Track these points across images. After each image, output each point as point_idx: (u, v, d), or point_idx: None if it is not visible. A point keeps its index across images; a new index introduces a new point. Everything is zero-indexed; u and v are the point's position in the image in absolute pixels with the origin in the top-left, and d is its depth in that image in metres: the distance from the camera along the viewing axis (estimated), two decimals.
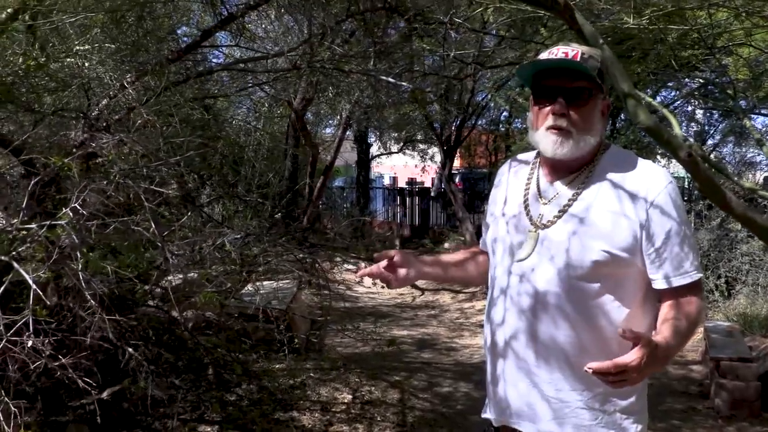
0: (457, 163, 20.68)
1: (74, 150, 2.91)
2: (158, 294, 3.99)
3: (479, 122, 12.90)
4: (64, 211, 2.01)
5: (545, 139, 1.68)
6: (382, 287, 9.63)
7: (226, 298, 5.19)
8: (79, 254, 2.01)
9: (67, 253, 2.04)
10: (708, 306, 7.57)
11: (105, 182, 2.56)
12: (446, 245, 12.03)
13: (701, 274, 1.63)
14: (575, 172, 1.73)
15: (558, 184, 1.74)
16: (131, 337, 3.38)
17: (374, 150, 17.73)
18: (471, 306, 8.53)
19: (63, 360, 2.08)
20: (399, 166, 21.70)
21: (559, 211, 1.69)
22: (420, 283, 9.81)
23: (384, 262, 1.87)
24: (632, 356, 1.41)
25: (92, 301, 2.07)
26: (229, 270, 3.48)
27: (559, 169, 1.75)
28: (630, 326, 1.54)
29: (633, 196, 1.62)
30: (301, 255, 4.50)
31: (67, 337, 2.56)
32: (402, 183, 20.72)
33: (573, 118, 1.65)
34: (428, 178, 18.37)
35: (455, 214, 11.85)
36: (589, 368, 1.41)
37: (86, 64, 3.47)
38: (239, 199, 4.24)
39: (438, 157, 11.90)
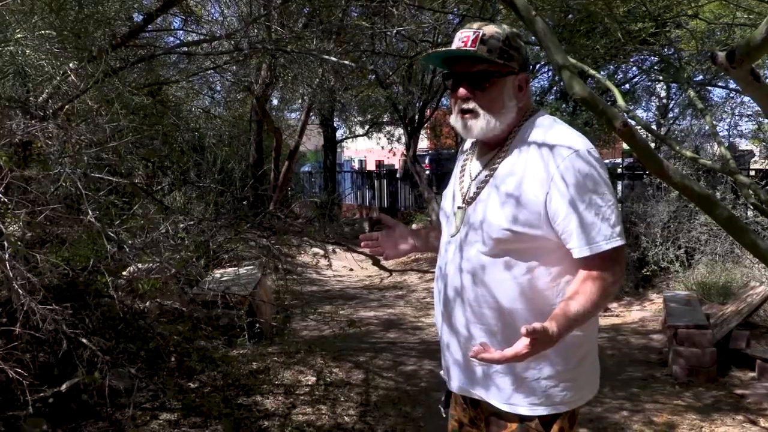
0: (425, 144, 20.70)
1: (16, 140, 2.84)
2: (121, 285, 3.95)
3: (444, 102, 12.88)
4: None
5: (457, 123, 1.77)
6: (351, 270, 9.60)
7: (190, 286, 5.16)
8: (6, 243, 1.97)
9: None
10: (669, 276, 7.73)
11: (41, 172, 2.50)
12: (413, 226, 12.06)
13: (614, 244, 1.60)
14: (497, 147, 1.77)
15: (483, 160, 1.80)
16: (85, 328, 3.34)
17: (341, 134, 17.67)
18: None
19: None
20: (368, 149, 21.67)
21: (477, 188, 1.75)
22: (388, 264, 9.84)
23: (383, 233, 2.06)
24: (519, 347, 1.47)
25: (21, 291, 2.03)
26: (185, 257, 3.44)
27: (486, 145, 1.80)
28: (546, 295, 1.66)
29: (539, 169, 1.64)
30: (262, 240, 4.47)
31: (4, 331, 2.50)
32: (371, 166, 20.69)
33: (479, 100, 1.71)
34: (397, 160, 18.37)
35: (421, 195, 11.88)
36: (474, 354, 1.49)
37: (27, 52, 3.38)
38: (192, 185, 4.19)
39: (404, 139, 11.88)
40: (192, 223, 3.47)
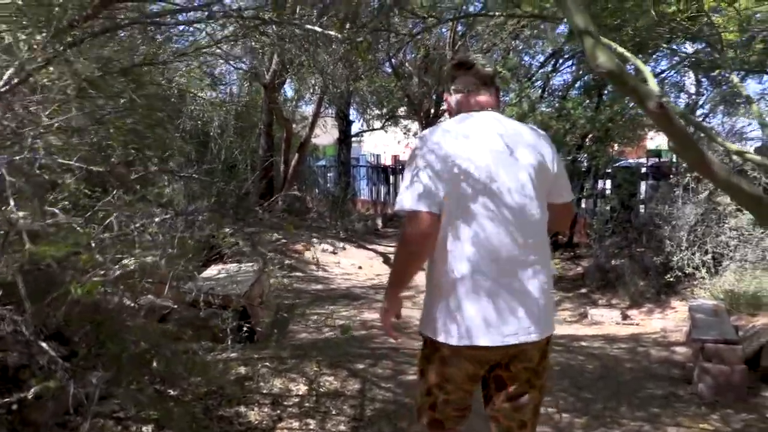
0: None
1: None
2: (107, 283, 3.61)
3: None
4: None
5: None
6: (359, 268, 9.18)
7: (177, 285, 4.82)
8: None
9: None
10: (694, 283, 7.29)
11: None
12: None
13: (401, 207, 2.16)
14: None
15: None
16: (43, 330, 3.02)
17: (359, 127, 17.33)
18: None
19: None
20: (386, 144, 21.31)
21: None
22: None
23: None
24: None
25: None
26: (155, 255, 3.10)
27: None
28: None
29: None
30: (243, 235, 4.11)
31: None
32: (388, 161, 20.27)
33: None
34: None
35: None
36: None
37: None
38: (173, 174, 3.84)
39: (419, 133, 11.50)
40: (167, 216, 3.13)
